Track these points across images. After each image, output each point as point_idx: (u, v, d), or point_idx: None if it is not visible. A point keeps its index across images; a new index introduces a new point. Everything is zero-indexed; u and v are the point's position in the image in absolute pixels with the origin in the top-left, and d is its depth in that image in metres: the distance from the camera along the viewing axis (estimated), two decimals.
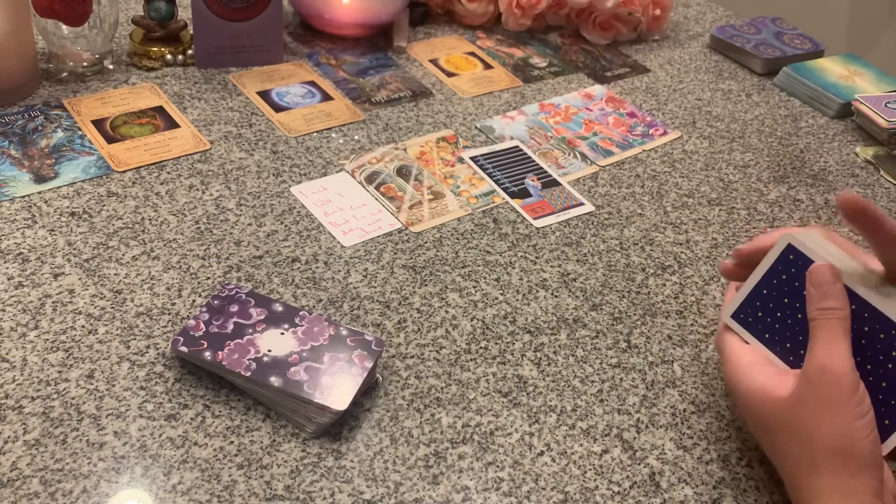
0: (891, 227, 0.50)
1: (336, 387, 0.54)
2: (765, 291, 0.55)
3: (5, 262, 0.64)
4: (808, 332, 0.51)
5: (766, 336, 0.55)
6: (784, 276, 0.54)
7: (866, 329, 0.50)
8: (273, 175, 0.78)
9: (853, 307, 0.50)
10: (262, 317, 0.59)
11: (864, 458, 0.47)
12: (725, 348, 0.56)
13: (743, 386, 0.52)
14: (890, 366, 0.50)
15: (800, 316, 0.53)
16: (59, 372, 0.56)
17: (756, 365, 0.53)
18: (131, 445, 0.52)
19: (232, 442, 0.53)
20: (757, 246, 0.56)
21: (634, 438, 0.57)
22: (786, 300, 0.54)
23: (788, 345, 0.53)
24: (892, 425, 0.50)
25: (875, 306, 0.50)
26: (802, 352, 0.51)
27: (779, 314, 0.54)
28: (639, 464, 0.55)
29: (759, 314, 0.55)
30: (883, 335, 0.50)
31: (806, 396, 0.49)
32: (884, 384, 0.50)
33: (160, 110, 0.84)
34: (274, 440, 0.54)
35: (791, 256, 0.54)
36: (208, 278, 0.65)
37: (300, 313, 0.59)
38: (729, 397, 0.61)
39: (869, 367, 0.50)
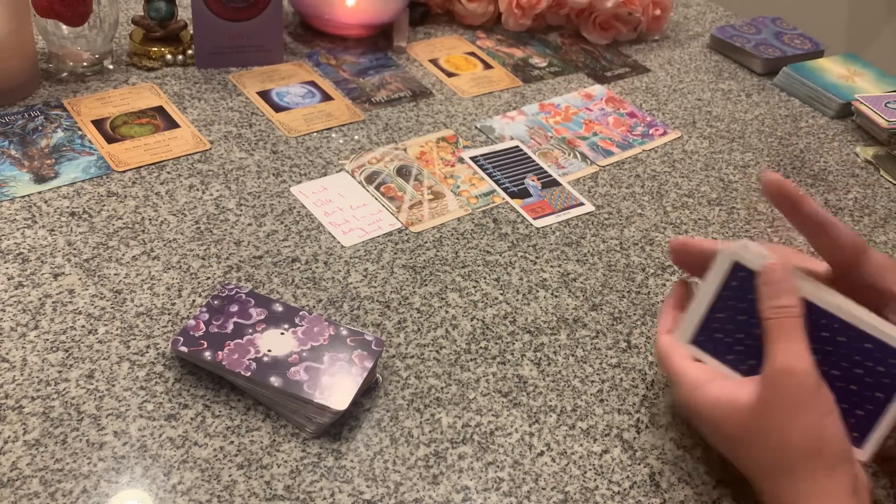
0: (809, 209, 0.52)
1: (336, 387, 0.54)
2: (720, 314, 0.54)
3: (5, 262, 0.64)
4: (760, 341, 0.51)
5: (728, 357, 0.54)
6: (737, 293, 0.53)
7: (824, 335, 0.50)
8: (273, 175, 0.78)
9: (809, 315, 0.50)
10: (262, 317, 0.59)
11: (836, 455, 0.47)
12: (674, 368, 0.54)
13: (705, 402, 0.51)
14: (857, 371, 0.50)
15: (758, 331, 0.52)
16: (59, 372, 0.56)
17: (713, 380, 0.52)
18: (131, 445, 0.52)
19: (232, 442, 0.53)
20: (701, 247, 0.56)
21: (634, 438, 0.57)
22: (741, 317, 0.53)
23: (751, 361, 0.53)
24: (861, 430, 0.50)
25: (829, 311, 0.50)
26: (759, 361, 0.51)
27: (738, 334, 0.53)
28: (639, 464, 0.55)
29: (718, 335, 0.54)
30: (842, 338, 0.50)
31: (772, 401, 0.48)
32: (852, 387, 0.50)
33: (160, 110, 0.84)
34: (274, 440, 0.54)
35: (740, 273, 0.53)
36: (208, 278, 0.65)
37: (300, 313, 0.59)
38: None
39: (835, 372, 0.50)
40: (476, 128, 0.89)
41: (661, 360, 0.56)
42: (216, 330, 0.57)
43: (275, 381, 0.54)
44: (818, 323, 0.50)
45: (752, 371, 0.53)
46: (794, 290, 0.50)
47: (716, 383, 0.52)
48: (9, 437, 0.52)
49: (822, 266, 0.55)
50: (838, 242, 0.52)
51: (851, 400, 0.50)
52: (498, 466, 0.54)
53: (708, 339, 0.55)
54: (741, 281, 0.53)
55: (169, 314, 0.62)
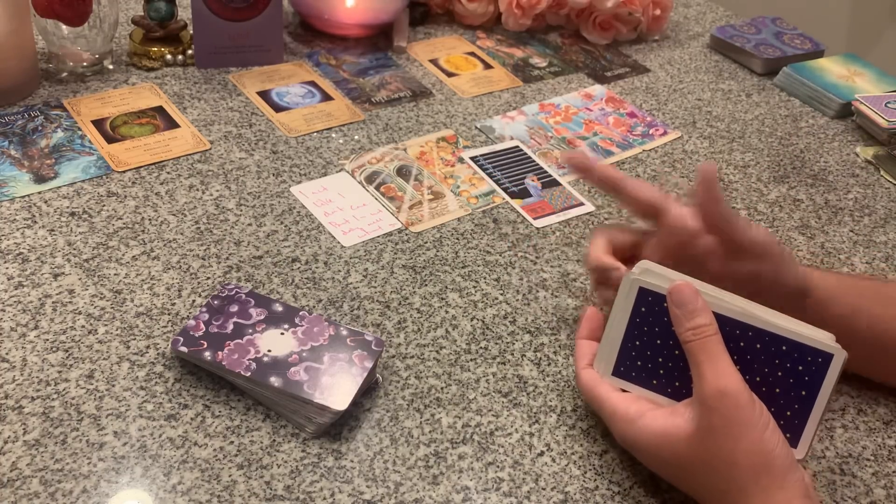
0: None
1: (336, 387, 0.54)
2: (636, 341, 0.54)
3: (5, 262, 0.64)
4: (686, 360, 0.51)
5: (654, 382, 0.53)
6: (649, 318, 0.53)
7: (741, 344, 0.51)
8: (273, 175, 0.78)
9: (723, 327, 0.50)
10: (262, 317, 0.59)
11: (784, 465, 0.47)
12: (604, 404, 0.53)
13: (643, 436, 0.51)
14: (778, 373, 0.50)
15: (677, 352, 0.52)
16: (59, 372, 0.56)
17: (646, 412, 0.51)
18: (131, 445, 0.52)
19: (232, 442, 0.53)
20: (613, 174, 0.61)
21: None
22: (658, 341, 0.53)
23: (677, 383, 0.53)
24: (793, 431, 0.50)
25: (741, 320, 0.51)
26: (691, 385, 0.51)
27: (658, 358, 0.53)
28: (639, 464, 0.55)
29: (639, 363, 0.54)
30: (758, 344, 0.51)
31: (711, 426, 0.48)
32: (776, 390, 0.51)
33: (160, 110, 0.84)
34: (274, 440, 0.54)
35: (649, 298, 0.53)
36: (208, 278, 0.65)
37: (300, 313, 0.59)
38: None
39: (757, 379, 0.51)
40: (476, 128, 0.89)
41: (588, 396, 0.55)
42: (216, 330, 0.57)
43: (275, 381, 0.54)
44: (732, 333, 0.51)
45: (678, 392, 0.53)
46: (705, 309, 0.50)
47: (650, 414, 0.51)
48: (9, 437, 0.52)
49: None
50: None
51: (778, 403, 0.51)
52: (498, 466, 0.54)
53: (629, 368, 0.54)
54: (650, 305, 0.53)
55: (169, 314, 0.62)
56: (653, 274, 0.53)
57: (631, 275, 0.54)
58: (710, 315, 0.50)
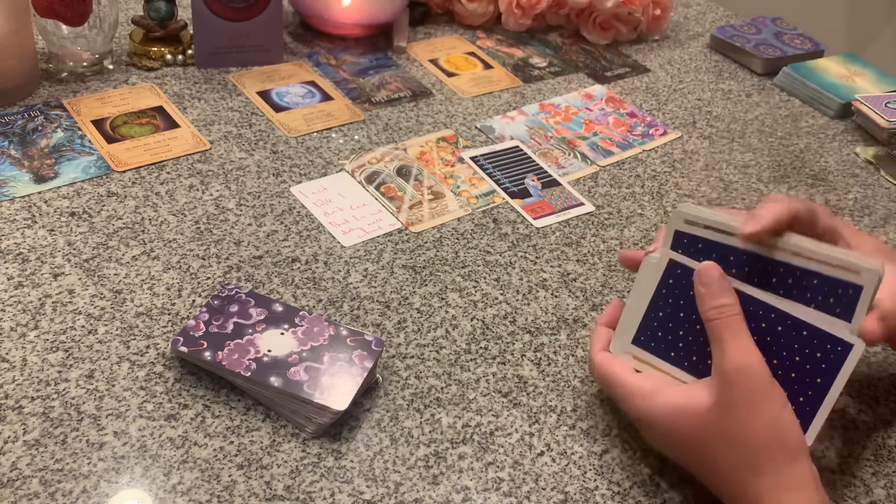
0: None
1: (336, 387, 0.54)
2: (660, 312, 0.54)
3: (5, 262, 0.64)
4: (707, 336, 0.51)
5: (672, 355, 0.54)
6: (675, 291, 0.54)
7: (763, 325, 0.51)
8: (273, 175, 0.78)
9: (746, 307, 0.51)
10: (262, 317, 0.59)
11: (797, 446, 0.48)
12: (619, 383, 0.53)
13: (660, 411, 0.51)
14: (796, 358, 0.51)
15: (699, 326, 0.52)
16: (59, 372, 0.56)
17: (663, 388, 0.52)
18: (131, 445, 0.52)
19: (232, 442, 0.53)
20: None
21: (634, 438, 0.57)
22: (682, 314, 0.53)
23: (695, 358, 0.53)
24: (803, 417, 0.50)
25: (764, 301, 0.51)
26: (709, 361, 0.51)
27: (679, 331, 0.54)
28: (639, 464, 0.55)
29: (659, 334, 0.54)
30: (780, 328, 0.51)
31: (731, 400, 0.48)
32: (792, 375, 0.51)
33: (160, 110, 0.84)
34: (274, 440, 0.54)
35: (678, 271, 0.54)
36: (208, 278, 0.65)
37: (300, 313, 0.59)
38: None
39: (775, 362, 0.51)
40: (476, 128, 0.89)
41: (603, 376, 0.55)
42: (216, 330, 0.57)
43: (275, 381, 0.54)
44: (755, 314, 0.51)
45: (694, 367, 0.53)
46: (730, 290, 0.51)
47: (667, 390, 0.51)
48: (9, 437, 0.52)
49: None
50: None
51: (793, 387, 0.51)
52: (498, 466, 0.54)
53: (649, 338, 0.55)
54: (678, 278, 0.54)
55: (169, 314, 0.62)
56: (696, 209, 0.53)
57: (677, 213, 0.54)
58: (734, 296, 0.51)
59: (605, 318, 0.58)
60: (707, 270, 0.52)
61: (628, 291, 0.70)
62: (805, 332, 0.51)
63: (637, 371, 0.54)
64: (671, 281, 0.54)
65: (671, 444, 0.52)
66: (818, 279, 0.50)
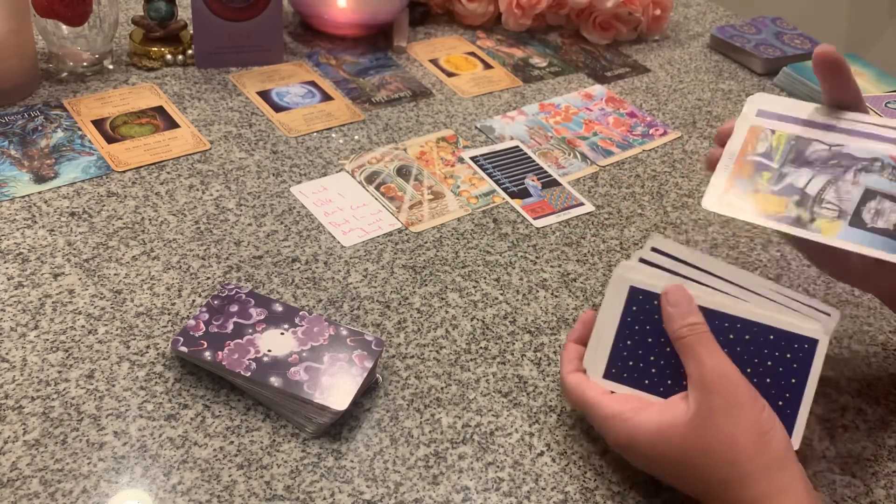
0: (854, 87, 0.56)
1: (336, 387, 0.54)
2: (627, 341, 0.54)
3: (5, 262, 0.64)
4: (677, 359, 0.52)
5: (646, 382, 0.53)
6: (640, 317, 0.54)
7: (730, 336, 0.52)
8: (273, 175, 0.78)
9: (711, 322, 0.52)
10: (262, 317, 0.59)
11: (782, 447, 0.48)
12: (596, 407, 0.52)
13: (639, 433, 0.50)
14: (768, 363, 0.52)
15: (669, 349, 0.53)
16: (59, 372, 0.56)
17: (640, 409, 0.51)
18: (131, 445, 0.52)
19: (232, 442, 0.53)
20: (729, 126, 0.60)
21: None
22: (649, 339, 0.54)
23: (669, 381, 0.53)
24: (786, 420, 0.51)
25: (727, 313, 0.52)
26: (683, 382, 0.51)
27: (650, 356, 0.53)
28: None
29: (630, 363, 0.54)
30: (747, 336, 0.52)
31: (710, 408, 0.48)
32: (767, 380, 0.52)
33: (160, 110, 0.84)
34: (274, 440, 0.54)
35: (640, 297, 0.54)
36: (208, 278, 0.65)
37: (300, 313, 0.59)
38: None
39: (748, 370, 0.52)
40: (476, 128, 0.89)
41: (575, 401, 0.54)
42: (216, 330, 0.57)
43: (275, 381, 0.54)
44: (721, 327, 0.52)
45: (670, 391, 0.53)
46: (696, 309, 0.52)
47: (644, 412, 0.51)
48: (9, 437, 0.52)
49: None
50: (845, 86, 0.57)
51: (770, 392, 0.51)
52: (498, 466, 0.54)
53: (620, 369, 0.54)
54: (641, 303, 0.54)
55: (169, 314, 0.62)
56: (641, 271, 0.55)
57: (623, 275, 0.55)
58: (701, 315, 0.52)
59: (575, 334, 0.57)
60: (675, 291, 0.53)
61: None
62: (771, 336, 0.52)
63: (612, 392, 0.54)
64: (634, 308, 0.54)
65: (656, 464, 0.51)
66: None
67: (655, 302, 0.53)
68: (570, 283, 0.70)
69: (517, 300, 0.68)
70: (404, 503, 0.51)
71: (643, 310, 0.54)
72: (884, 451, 0.59)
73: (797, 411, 0.51)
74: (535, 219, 0.77)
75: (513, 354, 0.63)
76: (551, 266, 0.72)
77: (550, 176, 0.83)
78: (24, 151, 0.76)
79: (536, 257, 0.72)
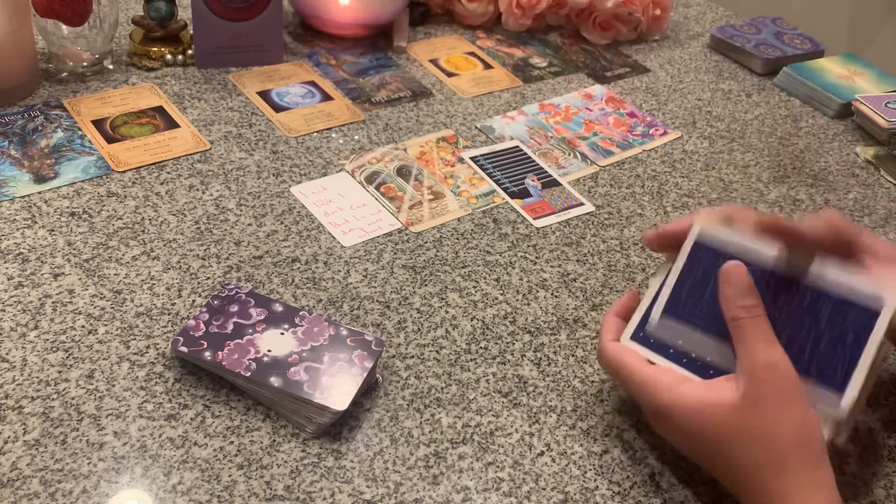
0: (809, 233, 0.53)
1: (336, 387, 0.54)
2: (683, 289, 0.54)
3: (5, 262, 0.64)
4: (722, 340, 0.51)
5: (685, 361, 0.53)
6: (700, 279, 0.54)
7: (787, 297, 0.51)
8: (273, 175, 0.78)
9: (771, 281, 0.51)
10: (262, 317, 0.59)
11: (820, 447, 0.48)
12: (634, 373, 0.52)
13: (679, 404, 0.50)
14: (825, 329, 0.51)
15: (716, 325, 0.52)
16: (59, 372, 0.56)
17: (683, 381, 0.51)
18: (131, 445, 0.52)
19: (232, 442, 0.53)
20: (677, 227, 0.57)
21: (634, 438, 0.57)
22: (706, 303, 0.53)
23: (709, 358, 0.52)
24: (839, 386, 0.50)
25: (792, 280, 0.52)
26: (718, 360, 0.51)
27: (701, 328, 0.53)
28: (639, 464, 0.55)
29: (680, 335, 0.54)
30: (807, 300, 0.51)
31: (760, 395, 0.48)
32: (821, 348, 0.51)
33: (160, 110, 0.84)
34: (274, 440, 0.54)
35: (700, 255, 0.54)
36: (208, 278, 0.65)
37: (300, 313, 0.59)
38: None
39: (804, 333, 0.51)
40: (476, 128, 0.89)
41: (615, 365, 0.54)
42: (216, 330, 0.57)
43: (275, 381, 0.54)
44: (779, 287, 0.51)
45: (710, 374, 0.52)
46: (755, 291, 0.51)
47: (687, 384, 0.51)
48: (9, 437, 0.52)
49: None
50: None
51: (825, 358, 0.50)
52: (498, 466, 0.54)
53: (664, 341, 0.54)
54: (701, 267, 0.54)
55: (169, 314, 0.62)
56: (713, 235, 0.54)
57: (694, 230, 0.55)
58: (758, 297, 0.51)
59: (618, 307, 0.57)
60: (735, 270, 0.52)
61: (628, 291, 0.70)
62: (831, 303, 0.51)
63: (651, 363, 0.54)
64: (697, 266, 0.54)
65: (689, 438, 0.51)
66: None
67: (719, 277, 0.52)
68: (570, 283, 0.70)
69: (517, 300, 0.68)
70: (404, 503, 0.51)
71: (703, 271, 0.53)
72: (884, 451, 0.59)
73: (850, 378, 0.49)
74: (535, 219, 0.77)
75: (513, 354, 0.63)
76: (551, 266, 0.72)
77: (550, 176, 0.83)
78: (24, 151, 0.76)
79: (536, 257, 0.72)
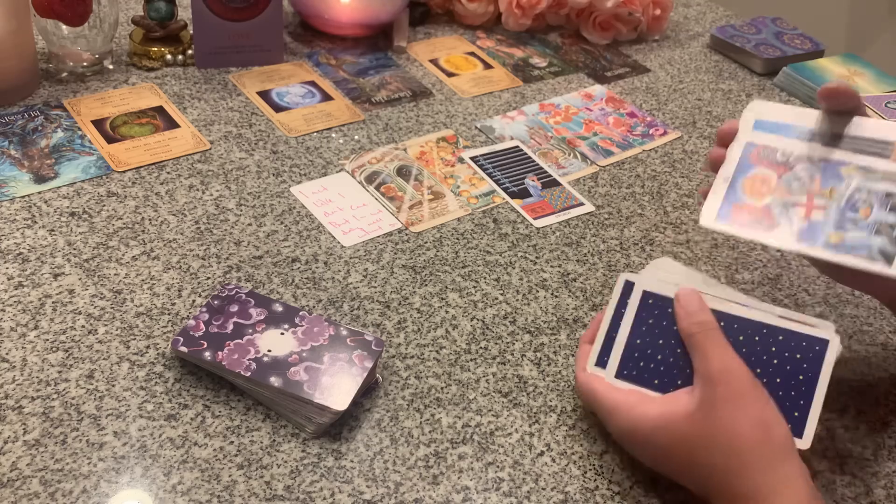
0: (856, 100, 0.57)
1: (336, 387, 0.54)
2: (637, 341, 0.55)
3: (5, 262, 0.64)
4: (686, 362, 0.53)
5: (655, 382, 0.54)
6: (650, 320, 0.55)
7: (741, 338, 0.53)
8: (273, 175, 0.78)
9: (721, 323, 0.53)
10: (262, 317, 0.59)
11: (785, 441, 0.48)
12: (603, 400, 0.53)
13: (641, 422, 0.51)
14: (777, 363, 0.52)
15: (679, 350, 0.53)
16: (59, 372, 0.56)
17: (643, 399, 0.52)
18: (131, 445, 0.52)
19: (232, 442, 0.53)
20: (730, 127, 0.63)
21: None
22: (660, 341, 0.54)
23: (679, 381, 0.53)
24: (796, 421, 0.51)
25: (738, 315, 0.54)
26: (691, 381, 0.52)
27: (658, 356, 0.54)
28: (639, 464, 0.55)
29: (641, 364, 0.54)
30: (758, 337, 0.53)
31: (715, 399, 0.49)
32: (777, 380, 0.52)
33: (160, 110, 0.84)
34: (274, 440, 0.54)
35: (650, 301, 0.56)
36: (208, 278, 0.65)
37: (300, 313, 0.59)
38: None
39: (758, 370, 0.52)
40: (476, 128, 0.89)
41: (587, 396, 0.55)
42: (216, 330, 0.57)
43: (275, 381, 0.54)
44: (731, 328, 0.53)
45: (671, 383, 0.53)
46: (707, 309, 0.53)
47: (648, 401, 0.52)
48: (9, 437, 0.52)
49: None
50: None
51: (778, 394, 0.51)
52: (498, 466, 0.54)
53: (631, 369, 0.55)
54: (650, 308, 0.55)
55: (169, 314, 0.62)
56: (655, 282, 0.56)
57: (638, 280, 0.57)
58: (711, 315, 0.53)
59: (590, 335, 0.58)
60: (688, 294, 0.54)
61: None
62: (781, 337, 0.53)
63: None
64: (644, 314, 0.56)
65: (658, 454, 0.52)
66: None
67: (669, 310, 0.55)
68: (570, 283, 0.70)
69: (517, 300, 0.68)
70: (404, 503, 0.51)
71: (654, 315, 0.55)
72: (884, 451, 0.59)
73: (808, 412, 0.51)
74: (535, 219, 0.77)
75: (513, 354, 0.63)
76: (551, 266, 0.72)
77: (550, 176, 0.83)
78: (24, 151, 0.76)
79: (536, 257, 0.72)
